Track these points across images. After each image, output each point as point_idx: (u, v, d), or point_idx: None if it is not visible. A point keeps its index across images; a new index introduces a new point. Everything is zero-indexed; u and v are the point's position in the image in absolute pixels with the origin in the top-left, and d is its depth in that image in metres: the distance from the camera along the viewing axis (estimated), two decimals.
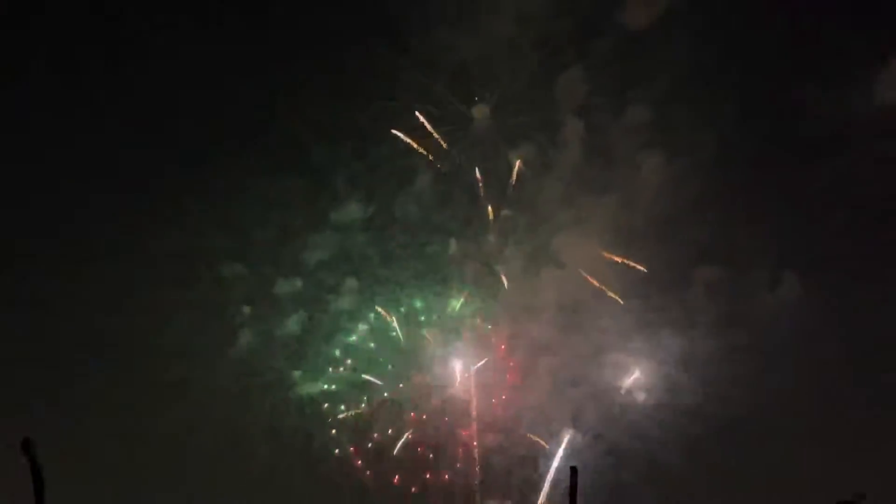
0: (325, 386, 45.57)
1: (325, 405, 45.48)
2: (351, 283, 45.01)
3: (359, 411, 45.39)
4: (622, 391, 44.85)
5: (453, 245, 44.65)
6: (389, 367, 45.80)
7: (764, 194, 42.94)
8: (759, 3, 41.26)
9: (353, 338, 45.53)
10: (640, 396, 44.95)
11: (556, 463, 45.06)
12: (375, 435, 45.43)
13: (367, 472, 45.22)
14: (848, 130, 41.27)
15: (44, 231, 44.85)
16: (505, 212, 44.57)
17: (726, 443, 42.82)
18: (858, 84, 40.98)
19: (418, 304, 45.57)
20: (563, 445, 45.01)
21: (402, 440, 45.05)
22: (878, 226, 42.45)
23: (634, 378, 44.77)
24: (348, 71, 41.34)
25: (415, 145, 43.17)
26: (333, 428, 45.36)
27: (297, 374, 45.43)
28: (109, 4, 43.34)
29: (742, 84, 41.40)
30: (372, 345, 45.76)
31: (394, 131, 42.91)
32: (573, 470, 21.40)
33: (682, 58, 40.96)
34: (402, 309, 45.08)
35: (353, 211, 43.38)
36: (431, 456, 45.55)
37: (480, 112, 43.22)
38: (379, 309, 45.21)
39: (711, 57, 40.71)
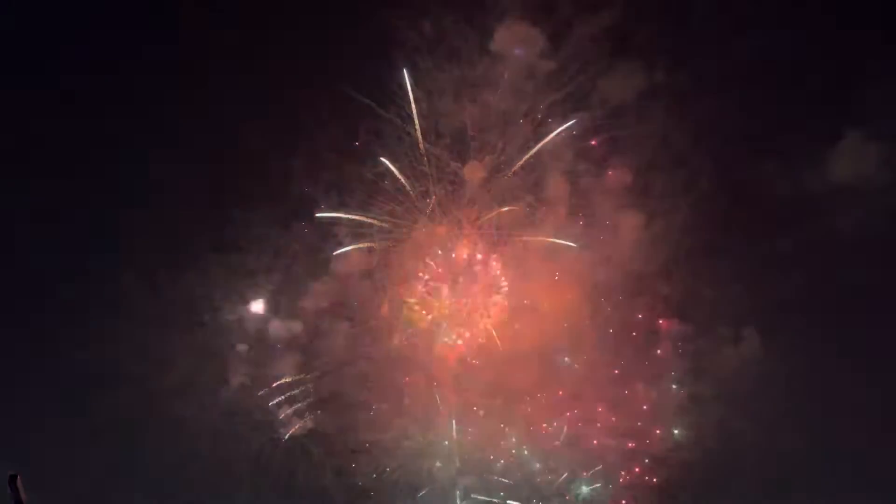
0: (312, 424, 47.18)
1: (312, 446, 47.10)
2: (342, 327, 47.01)
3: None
4: (594, 439, 47.34)
5: (444, 295, 47.02)
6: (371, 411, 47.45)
7: (728, 258, 45.97)
8: (727, 84, 44.88)
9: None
10: (611, 443, 47.52)
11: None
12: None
13: None
14: (804, 204, 45.41)
15: (52, 274, 46.39)
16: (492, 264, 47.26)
17: (693, 487, 45.81)
18: (815, 161, 45.11)
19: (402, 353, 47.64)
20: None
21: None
22: (829, 290, 46.21)
23: (606, 424, 47.35)
24: (360, 134, 45.58)
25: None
26: (318, 467, 46.93)
27: (285, 415, 47.07)
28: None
29: (711, 157, 44.86)
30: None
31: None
32: None
33: (657, 131, 44.78)
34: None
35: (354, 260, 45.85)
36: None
37: (473, 171, 46.25)
38: None
39: (684, 132, 44.42)
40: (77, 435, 44.69)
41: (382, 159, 45.82)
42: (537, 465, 47.80)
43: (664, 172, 44.77)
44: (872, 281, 44.98)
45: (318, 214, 45.51)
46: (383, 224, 46.47)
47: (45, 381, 46.16)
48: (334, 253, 46.19)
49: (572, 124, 45.66)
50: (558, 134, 45.72)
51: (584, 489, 47.34)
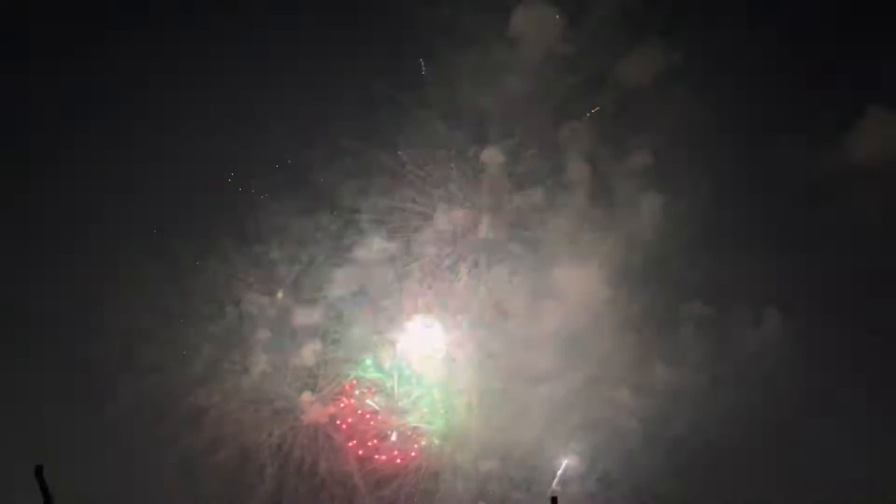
0: (335, 412, 47.30)
1: (334, 432, 47.22)
2: (366, 315, 47.01)
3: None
4: (615, 422, 47.37)
5: (463, 277, 46.91)
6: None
7: (749, 238, 46.29)
8: (748, 63, 44.58)
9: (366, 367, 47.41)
10: (633, 426, 47.56)
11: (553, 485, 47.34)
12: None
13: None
14: (828, 183, 44.83)
15: (78, 260, 46.26)
16: (511, 248, 47.19)
17: (713, 470, 45.41)
18: (840, 140, 44.73)
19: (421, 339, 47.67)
20: (560, 472, 47.27)
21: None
22: (850, 269, 45.92)
23: (627, 409, 47.36)
24: (380, 122, 45.48)
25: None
26: (339, 452, 47.11)
27: (306, 401, 47.25)
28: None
29: (734, 136, 44.75)
30: (379, 375, 47.76)
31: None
32: (553, 500, 21.31)
33: (679, 111, 44.35)
34: None
35: (375, 247, 45.79)
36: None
37: (490, 155, 46.08)
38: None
39: (706, 111, 43.96)
40: (99, 425, 44.89)
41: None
42: (558, 448, 47.49)
43: (686, 153, 44.37)
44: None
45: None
46: (404, 210, 46.31)
47: (67, 371, 46.00)
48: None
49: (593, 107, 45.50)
50: (578, 117, 45.43)
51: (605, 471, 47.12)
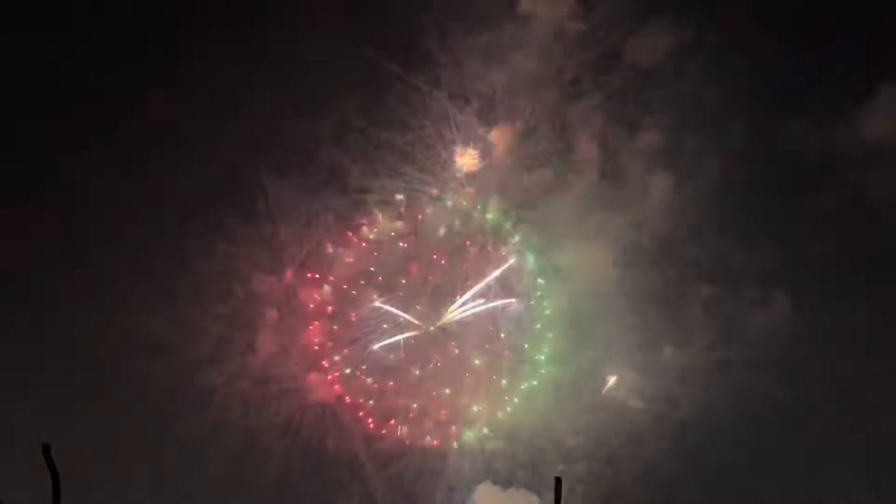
0: (341, 391, 47.27)
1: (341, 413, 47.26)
2: (371, 294, 46.98)
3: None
4: (622, 402, 47.43)
5: (472, 260, 46.84)
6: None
7: (757, 220, 46.35)
8: (758, 44, 44.35)
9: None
10: (639, 406, 47.63)
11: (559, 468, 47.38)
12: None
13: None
14: (836, 164, 44.91)
15: (81, 242, 46.22)
16: (520, 228, 47.10)
17: (719, 450, 45.65)
18: (848, 121, 44.59)
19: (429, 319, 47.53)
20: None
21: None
22: (858, 252, 46.05)
23: (634, 389, 47.39)
24: (387, 101, 45.11)
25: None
26: (346, 431, 47.09)
27: (313, 380, 47.19)
28: None
29: (744, 117, 44.60)
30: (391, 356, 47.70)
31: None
32: (557, 480, 20.81)
33: (690, 90, 44.38)
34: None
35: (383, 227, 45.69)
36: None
37: (499, 135, 45.85)
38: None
39: (715, 93, 44.11)
40: (105, 405, 44.75)
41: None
42: (565, 429, 47.55)
43: (696, 134, 44.27)
44: None
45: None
46: (413, 190, 46.24)
47: (73, 352, 45.92)
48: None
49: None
50: (588, 96, 45.18)
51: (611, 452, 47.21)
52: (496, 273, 47.05)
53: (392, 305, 47.03)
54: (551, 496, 20.66)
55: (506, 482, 46.65)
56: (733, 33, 43.90)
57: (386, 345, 47.13)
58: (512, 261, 47.17)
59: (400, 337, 46.92)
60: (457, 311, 47.08)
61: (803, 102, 44.88)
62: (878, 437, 44.31)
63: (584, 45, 45.13)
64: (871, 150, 43.92)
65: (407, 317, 47.03)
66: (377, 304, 46.86)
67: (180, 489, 44.30)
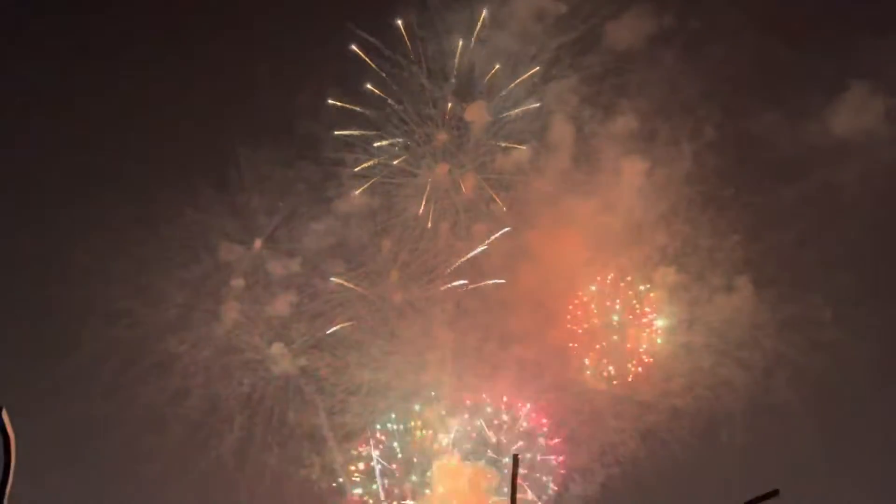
0: (306, 364, 47.14)
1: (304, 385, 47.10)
2: (340, 268, 46.69)
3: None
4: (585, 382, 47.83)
5: (443, 237, 46.79)
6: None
7: (726, 209, 46.33)
8: (735, 32, 44.54)
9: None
10: (602, 388, 48.05)
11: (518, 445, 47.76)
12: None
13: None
14: (805, 158, 45.36)
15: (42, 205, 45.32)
16: (492, 207, 47.05)
17: (678, 432, 46.20)
18: (818, 115, 45.03)
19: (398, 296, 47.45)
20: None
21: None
22: (823, 242, 46.75)
23: (598, 371, 47.84)
24: (367, 75, 44.59)
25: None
26: (309, 404, 46.99)
27: (277, 351, 46.94)
28: None
29: (717, 107, 44.83)
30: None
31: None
32: (515, 458, 21.63)
33: (667, 77, 44.53)
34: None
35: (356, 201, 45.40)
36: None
37: (476, 113, 45.63)
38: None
39: (691, 80, 44.30)
40: (66, 369, 44.05)
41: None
42: (527, 408, 47.83)
43: (671, 120, 44.47)
44: (870, 234, 45.45)
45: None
46: (387, 165, 45.90)
47: (33, 316, 45.20)
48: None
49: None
50: (565, 77, 45.10)
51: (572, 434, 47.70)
52: (469, 255, 47.05)
53: (361, 280, 46.77)
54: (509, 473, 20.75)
55: (465, 457, 46.84)
56: (713, 22, 44.10)
57: (351, 319, 46.87)
58: (485, 245, 47.13)
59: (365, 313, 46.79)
60: (425, 288, 47.06)
61: (777, 95, 45.29)
62: (834, 423, 45.45)
63: (564, 27, 44.86)
64: (841, 145, 44.42)
65: (373, 293, 46.86)
66: (342, 281, 46.50)
67: (139, 454, 44.08)
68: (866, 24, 44.85)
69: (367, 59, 44.39)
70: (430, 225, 46.60)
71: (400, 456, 47.04)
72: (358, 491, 46.36)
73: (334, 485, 46.53)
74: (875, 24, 44.71)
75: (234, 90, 44.42)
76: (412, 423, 47.45)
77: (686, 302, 47.48)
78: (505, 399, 47.81)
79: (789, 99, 44.89)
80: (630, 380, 47.42)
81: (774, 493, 19.92)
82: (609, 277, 47.62)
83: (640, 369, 47.46)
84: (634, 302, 47.89)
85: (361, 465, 46.86)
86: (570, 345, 47.44)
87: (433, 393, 47.47)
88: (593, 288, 47.62)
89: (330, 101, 44.54)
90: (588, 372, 47.41)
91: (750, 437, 45.66)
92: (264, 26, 44.53)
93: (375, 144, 45.49)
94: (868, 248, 46.14)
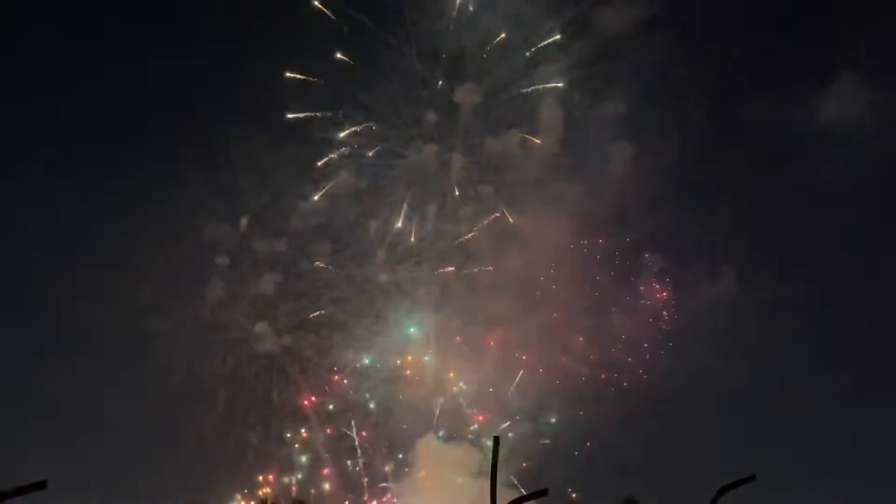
0: (290, 343, 47.02)
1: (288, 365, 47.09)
2: (326, 248, 46.56)
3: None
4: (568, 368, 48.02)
5: (431, 220, 46.72)
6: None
7: (713, 196, 46.78)
8: (723, 22, 44.63)
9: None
10: (584, 371, 48.27)
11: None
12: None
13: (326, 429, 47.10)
14: (790, 146, 45.74)
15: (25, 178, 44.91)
16: (480, 189, 46.98)
17: (660, 417, 46.49)
18: (804, 104, 45.10)
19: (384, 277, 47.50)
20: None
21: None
22: (808, 232, 46.99)
23: (580, 355, 48.04)
24: (358, 57, 44.41)
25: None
26: (292, 384, 47.00)
27: (261, 330, 46.84)
28: None
29: (708, 93, 44.83)
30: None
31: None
32: (496, 440, 21.28)
33: (655, 63, 44.27)
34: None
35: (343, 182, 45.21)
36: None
37: (466, 95, 45.48)
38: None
39: (680, 67, 44.03)
40: (48, 347, 44.46)
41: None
42: (511, 391, 48.06)
43: (659, 106, 44.41)
44: (855, 223, 45.87)
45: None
46: (375, 146, 45.77)
47: (14, 291, 44.85)
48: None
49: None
50: (555, 62, 44.93)
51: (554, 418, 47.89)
52: (457, 241, 47.05)
53: (346, 261, 46.67)
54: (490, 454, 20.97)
55: (448, 437, 47.04)
56: (703, 10, 44.04)
57: (336, 299, 46.77)
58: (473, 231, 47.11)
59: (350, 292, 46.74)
60: (412, 271, 47.06)
61: (766, 84, 45.36)
62: (815, 408, 46.26)
63: (555, 11, 44.69)
64: (828, 134, 44.56)
65: (359, 273, 46.79)
66: (325, 265, 46.41)
67: (122, 431, 44.17)
68: (855, 14, 44.79)
69: (356, 40, 44.01)
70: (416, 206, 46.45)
71: (382, 436, 47.15)
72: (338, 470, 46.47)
73: (316, 463, 46.48)
74: (864, 15, 44.70)
75: (221, 69, 43.82)
76: (395, 403, 47.51)
77: (671, 287, 47.87)
78: (489, 383, 48.11)
79: (777, 88, 44.90)
80: (613, 364, 47.87)
81: (751, 478, 20.39)
82: (595, 261, 47.86)
83: (627, 357, 47.94)
84: (620, 287, 48.34)
85: (344, 445, 46.83)
86: (555, 328, 47.77)
87: (417, 378, 47.36)
88: (579, 272, 47.68)
89: (310, 79, 44.10)
90: (571, 355, 47.78)
91: (730, 422, 46.37)
92: (251, 5, 43.99)
93: (362, 126, 45.14)
94: (853, 236, 46.56)
